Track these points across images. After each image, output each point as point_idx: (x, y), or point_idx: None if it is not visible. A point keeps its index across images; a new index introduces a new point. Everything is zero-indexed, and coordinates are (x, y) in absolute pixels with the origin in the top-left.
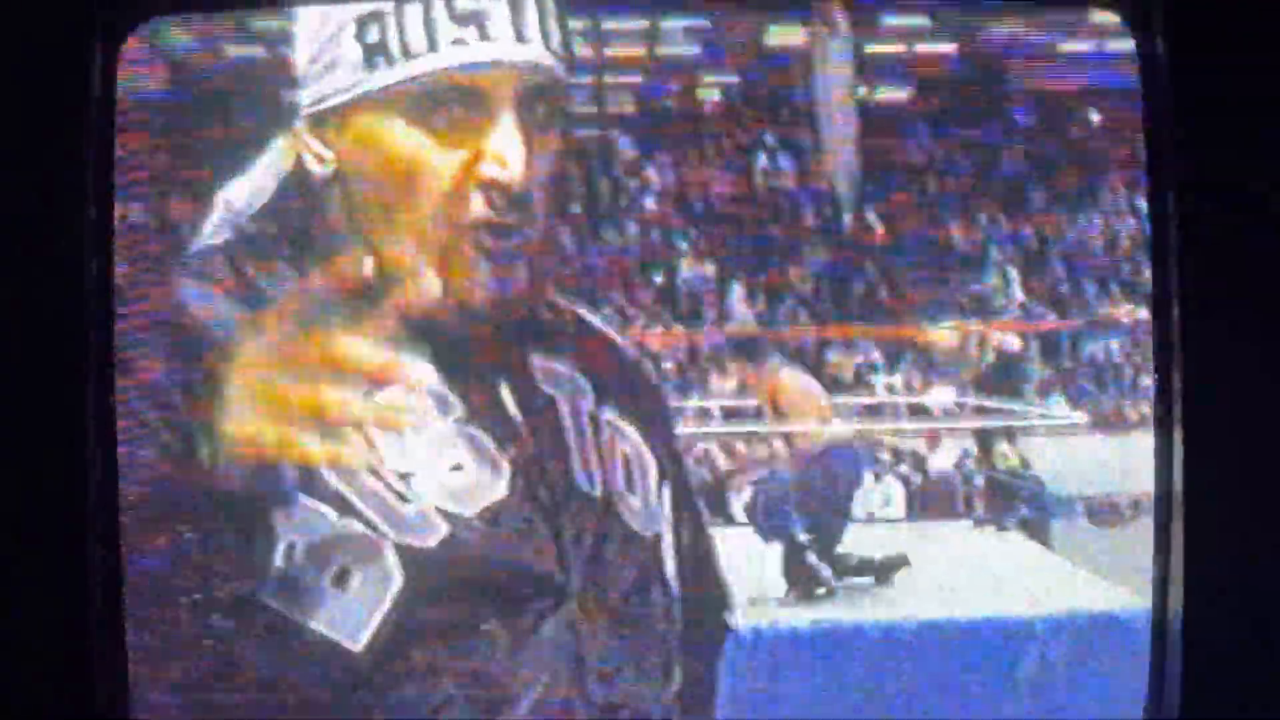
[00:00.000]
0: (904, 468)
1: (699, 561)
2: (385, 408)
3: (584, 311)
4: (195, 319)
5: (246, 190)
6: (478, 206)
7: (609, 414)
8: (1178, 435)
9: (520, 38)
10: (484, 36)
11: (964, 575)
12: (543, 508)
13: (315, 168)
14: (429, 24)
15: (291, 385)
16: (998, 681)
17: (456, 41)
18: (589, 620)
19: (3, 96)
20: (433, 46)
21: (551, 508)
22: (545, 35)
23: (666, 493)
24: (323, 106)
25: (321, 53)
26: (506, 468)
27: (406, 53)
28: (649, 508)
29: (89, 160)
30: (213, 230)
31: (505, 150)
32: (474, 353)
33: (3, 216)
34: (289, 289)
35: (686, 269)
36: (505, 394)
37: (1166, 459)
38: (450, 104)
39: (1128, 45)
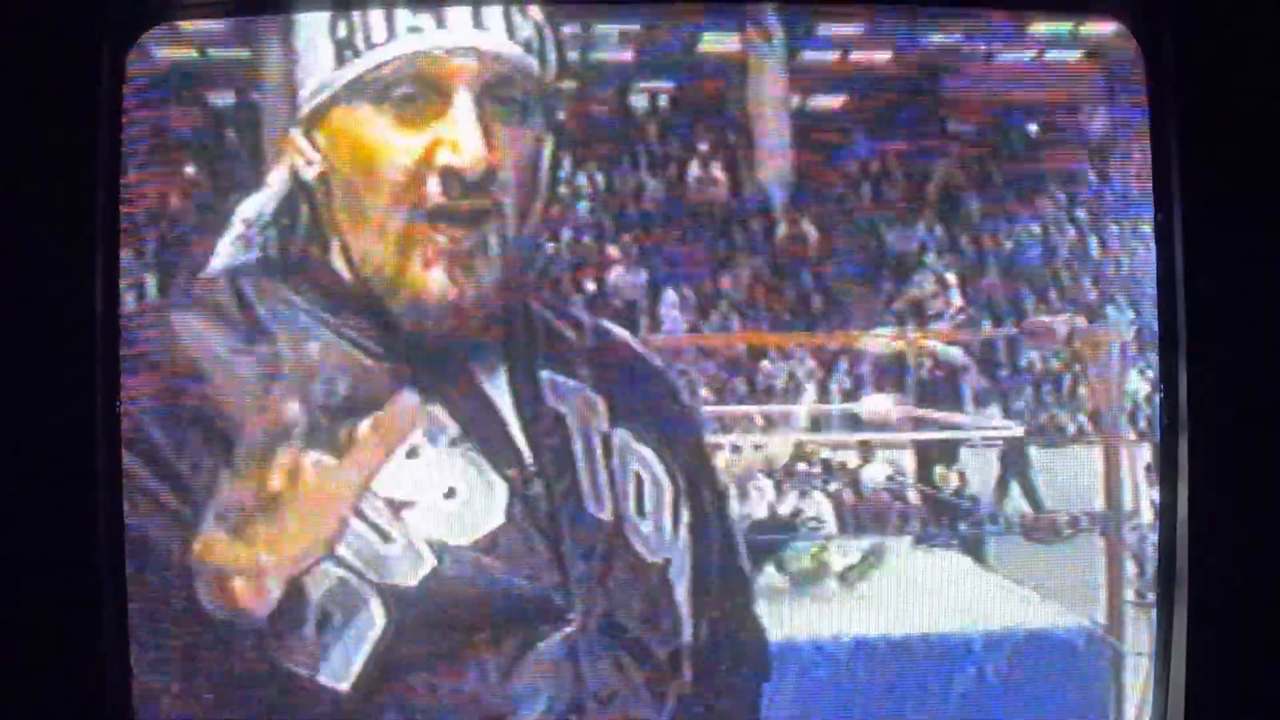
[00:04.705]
0: (835, 484)
1: (726, 588)
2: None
3: (610, 325)
4: (201, 345)
5: (254, 204)
6: (434, 193)
7: (623, 433)
8: (1183, 445)
9: (479, 26)
10: (441, 24)
11: (899, 592)
12: (544, 531)
13: (305, 170)
14: (389, 14)
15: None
16: (934, 698)
17: (413, 29)
18: (590, 644)
19: (11, 102)
20: (392, 35)
21: (555, 531)
22: (510, 28)
23: (684, 516)
24: (307, 109)
25: (305, 55)
26: (504, 491)
27: (369, 43)
28: (660, 532)
29: (97, 165)
30: (226, 250)
31: (460, 137)
32: (471, 367)
33: (10, 220)
34: (287, 323)
35: (617, 276)
36: (508, 411)
37: (1172, 467)
38: (409, 91)
39: (1072, 55)
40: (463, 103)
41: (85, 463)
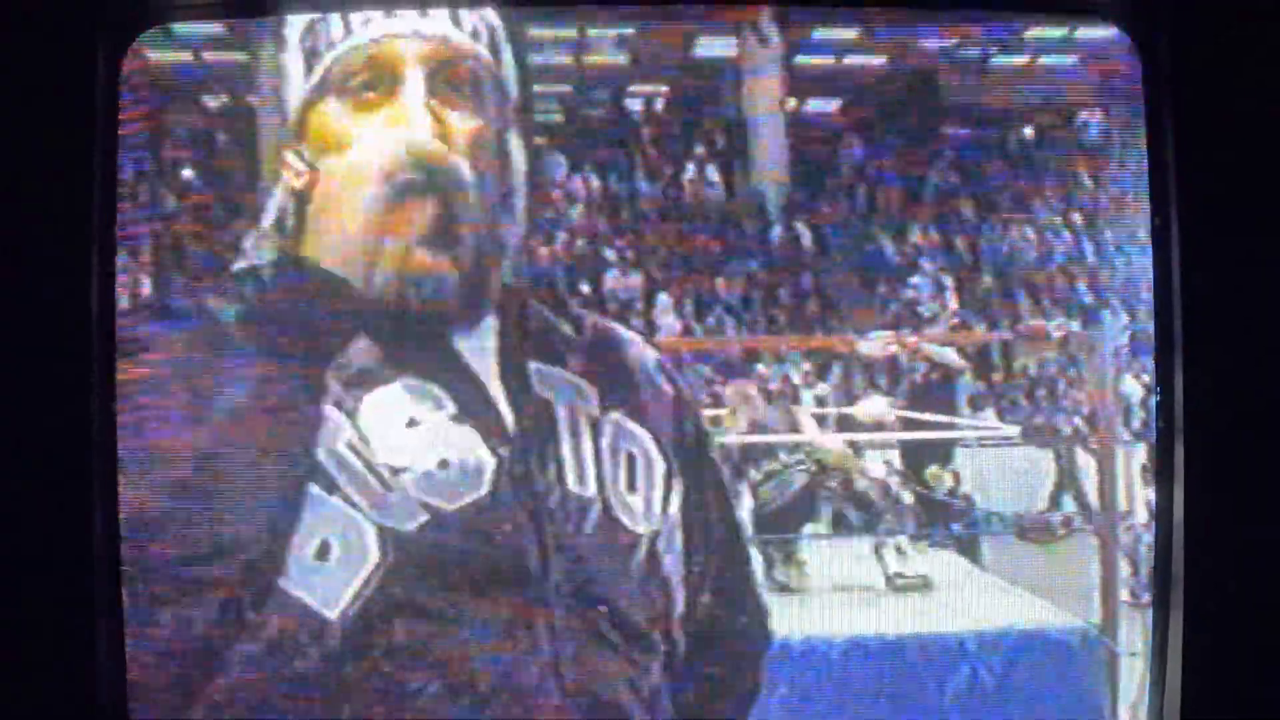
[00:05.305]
0: (831, 483)
1: (726, 564)
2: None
3: (609, 322)
4: (213, 326)
5: (263, 217)
6: (394, 167)
7: (616, 417)
8: (1179, 448)
9: (424, 14)
10: (389, 15)
11: (896, 592)
12: (525, 505)
13: (297, 181)
14: (345, 16)
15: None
16: (927, 698)
17: (365, 22)
18: (563, 611)
19: (6, 103)
20: (347, 31)
21: (535, 505)
22: (454, 17)
23: (676, 494)
24: (292, 121)
25: (287, 72)
26: (491, 466)
27: (329, 44)
28: (650, 507)
29: (93, 167)
30: (247, 249)
31: (411, 114)
32: (467, 355)
33: (7, 222)
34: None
35: (613, 280)
36: (498, 395)
37: (1168, 469)
38: (364, 79)
39: (1066, 60)
40: (412, 83)
41: (81, 459)
